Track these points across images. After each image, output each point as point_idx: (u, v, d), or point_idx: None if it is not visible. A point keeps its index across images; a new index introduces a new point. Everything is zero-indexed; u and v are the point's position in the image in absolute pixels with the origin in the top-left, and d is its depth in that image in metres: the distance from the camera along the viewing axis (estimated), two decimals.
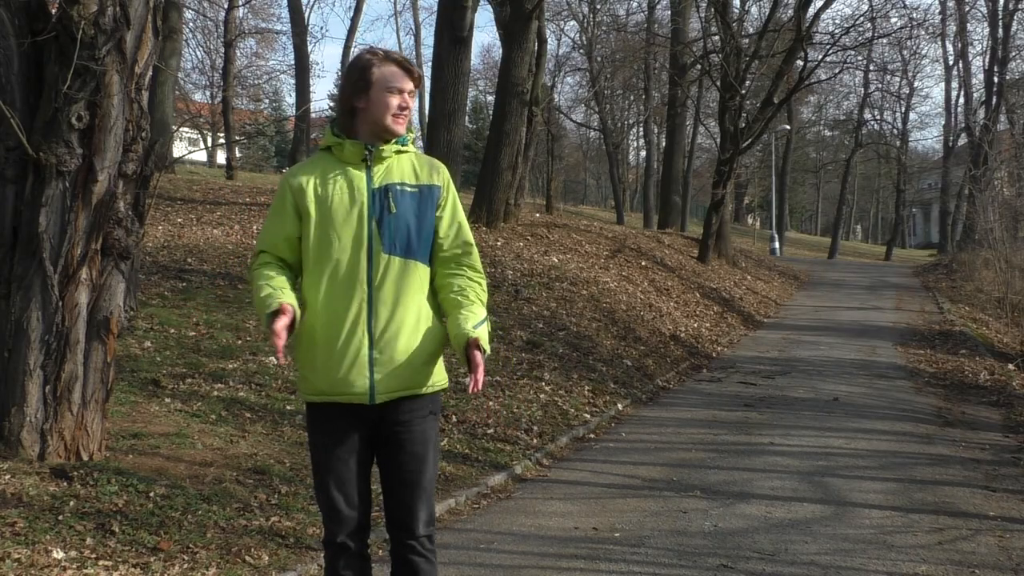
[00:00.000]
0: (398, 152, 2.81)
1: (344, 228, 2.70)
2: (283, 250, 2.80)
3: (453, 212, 2.83)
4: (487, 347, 2.70)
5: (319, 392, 2.74)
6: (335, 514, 2.78)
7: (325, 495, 2.79)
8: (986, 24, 34.27)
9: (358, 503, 2.80)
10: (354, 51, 33.92)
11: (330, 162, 2.79)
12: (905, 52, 34.53)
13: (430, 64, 16.59)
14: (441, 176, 2.83)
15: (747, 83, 20.20)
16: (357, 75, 2.77)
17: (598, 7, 32.24)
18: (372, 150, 2.75)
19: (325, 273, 2.71)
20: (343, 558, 2.81)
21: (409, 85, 2.77)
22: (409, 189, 2.76)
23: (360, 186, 2.74)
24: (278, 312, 2.61)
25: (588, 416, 7.79)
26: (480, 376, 2.67)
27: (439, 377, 2.82)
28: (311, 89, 28.00)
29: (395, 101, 2.74)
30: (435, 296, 2.83)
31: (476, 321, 2.73)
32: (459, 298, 2.78)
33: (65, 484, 4.36)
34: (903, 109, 40.08)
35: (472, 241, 2.86)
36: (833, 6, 37.87)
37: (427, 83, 15.79)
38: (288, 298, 2.67)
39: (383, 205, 2.72)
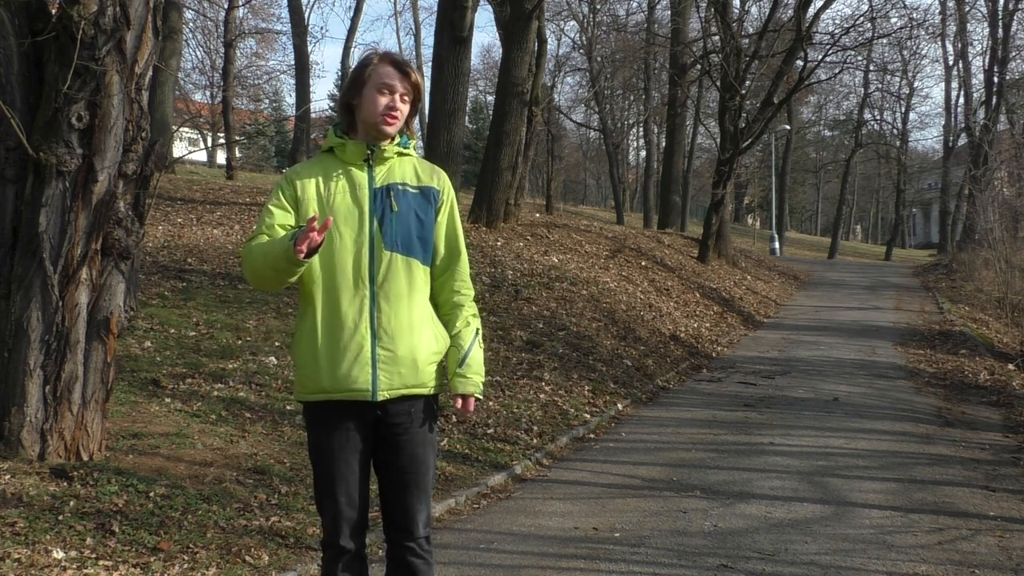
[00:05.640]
0: (400, 154, 2.81)
1: (346, 227, 2.71)
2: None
3: (450, 218, 2.86)
4: (472, 389, 2.82)
5: (321, 390, 2.71)
6: (339, 517, 2.74)
7: (330, 499, 2.74)
8: (986, 24, 34.27)
9: (359, 504, 2.78)
10: (354, 51, 34.02)
11: (332, 163, 2.79)
12: (905, 52, 34.66)
13: (430, 64, 16.60)
14: (441, 181, 2.85)
15: (747, 83, 20.18)
16: (356, 72, 2.80)
17: (598, 7, 32.22)
18: (374, 150, 2.76)
19: (328, 272, 2.71)
20: (342, 560, 2.79)
21: (402, 86, 2.75)
22: (411, 189, 2.78)
23: (362, 185, 2.74)
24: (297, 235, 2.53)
25: (588, 416, 7.79)
26: (468, 409, 2.85)
27: (440, 379, 2.83)
28: (311, 89, 28.04)
29: (384, 100, 2.73)
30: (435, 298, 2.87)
31: (461, 354, 2.83)
32: (453, 322, 2.85)
33: (65, 484, 4.36)
34: (903, 109, 40.22)
35: (464, 251, 2.89)
36: (833, 6, 37.84)
37: (427, 83, 15.82)
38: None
39: (385, 204, 2.73)
